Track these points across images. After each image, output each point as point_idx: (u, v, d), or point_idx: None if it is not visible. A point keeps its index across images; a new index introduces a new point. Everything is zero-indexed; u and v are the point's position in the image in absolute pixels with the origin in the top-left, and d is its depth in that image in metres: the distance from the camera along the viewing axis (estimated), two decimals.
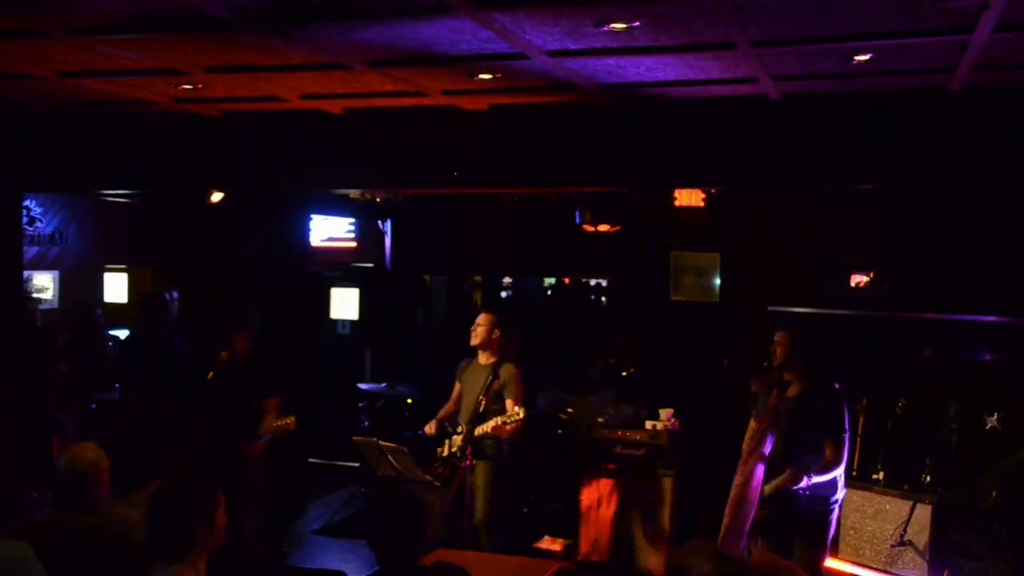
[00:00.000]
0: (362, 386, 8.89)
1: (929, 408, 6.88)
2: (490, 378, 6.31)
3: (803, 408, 5.43)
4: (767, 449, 5.50)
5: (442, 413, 6.80)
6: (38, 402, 6.87)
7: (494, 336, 6.60)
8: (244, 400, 6.44)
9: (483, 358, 6.61)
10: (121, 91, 5.23)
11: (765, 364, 5.68)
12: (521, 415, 6.21)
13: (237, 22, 3.71)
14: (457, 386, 6.80)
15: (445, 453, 6.51)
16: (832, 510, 5.48)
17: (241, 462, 6.32)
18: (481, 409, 6.22)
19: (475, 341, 6.62)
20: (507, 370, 6.45)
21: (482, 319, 6.65)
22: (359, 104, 5.51)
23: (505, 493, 6.81)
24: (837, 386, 5.55)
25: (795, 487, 5.28)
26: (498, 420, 6.13)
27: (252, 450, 6.36)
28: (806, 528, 5.39)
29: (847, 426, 5.50)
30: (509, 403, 6.36)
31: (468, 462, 6.10)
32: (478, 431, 6.25)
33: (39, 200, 8.11)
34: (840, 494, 5.53)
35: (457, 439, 6.41)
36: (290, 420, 6.49)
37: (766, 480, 5.43)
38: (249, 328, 6.57)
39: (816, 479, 5.31)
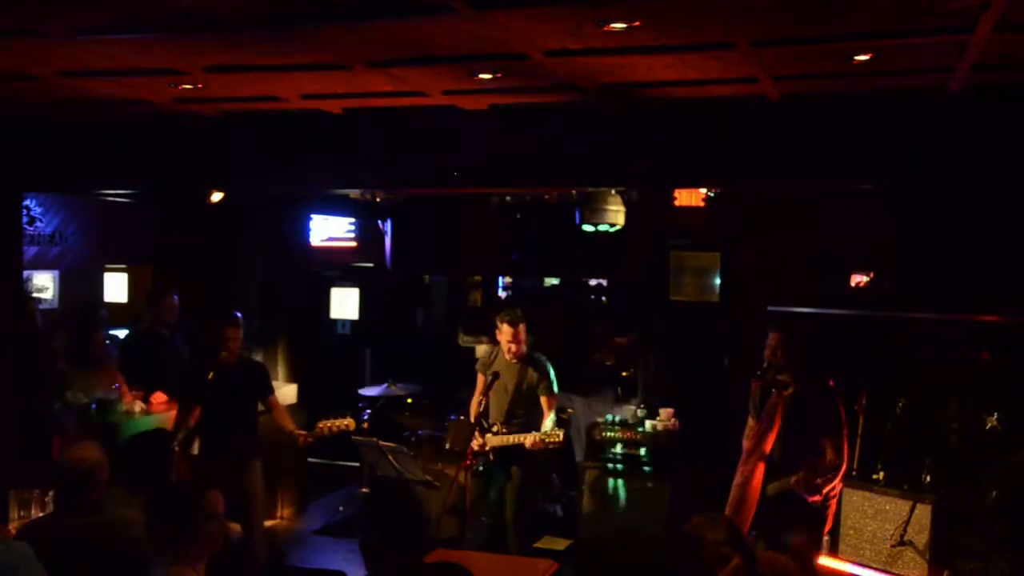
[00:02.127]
0: (363, 391, 8.89)
1: (929, 408, 6.88)
2: (521, 378, 6.31)
3: (799, 408, 5.46)
4: (767, 449, 5.51)
5: (475, 411, 6.55)
6: (38, 402, 6.87)
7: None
8: (248, 397, 6.44)
9: (508, 356, 6.48)
10: (121, 91, 5.23)
11: (765, 365, 5.71)
12: (561, 436, 6.17)
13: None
14: (481, 379, 6.63)
15: (478, 448, 6.34)
16: (829, 505, 5.52)
17: (246, 462, 6.34)
18: (508, 407, 6.26)
19: (521, 353, 6.44)
20: (541, 370, 6.43)
21: (523, 332, 6.40)
22: (359, 104, 5.51)
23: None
24: (831, 384, 5.59)
25: (808, 496, 5.33)
26: (537, 438, 6.12)
27: (305, 440, 6.44)
28: (803, 522, 5.40)
29: (844, 423, 5.54)
30: (544, 402, 6.37)
31: (468, 461, 6.09)
32: (518, 439, 6.23)
33: (39, 200, 8.10)
34: (836, 489, 5.57)
35: (493, 439, 6.31)
36: (349, 421, 6.53)
37: (768, 479, 5.45)
38: (239, 325, 6.56)
39: (828, 487, 5.36)
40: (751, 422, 5.84)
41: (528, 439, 6.19)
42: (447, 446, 7.81)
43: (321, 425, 6.51)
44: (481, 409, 6.43)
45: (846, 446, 5.52)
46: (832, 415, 5.51)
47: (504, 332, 6.43)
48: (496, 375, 6.33)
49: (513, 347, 6.41)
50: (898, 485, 6.39)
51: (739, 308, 8.26)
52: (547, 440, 6.14)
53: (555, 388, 6.48)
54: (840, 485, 5.60)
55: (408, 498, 3.44)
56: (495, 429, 6.36)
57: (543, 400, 6.39)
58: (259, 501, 6.52)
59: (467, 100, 5.31)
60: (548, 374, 6.45)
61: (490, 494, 6.62)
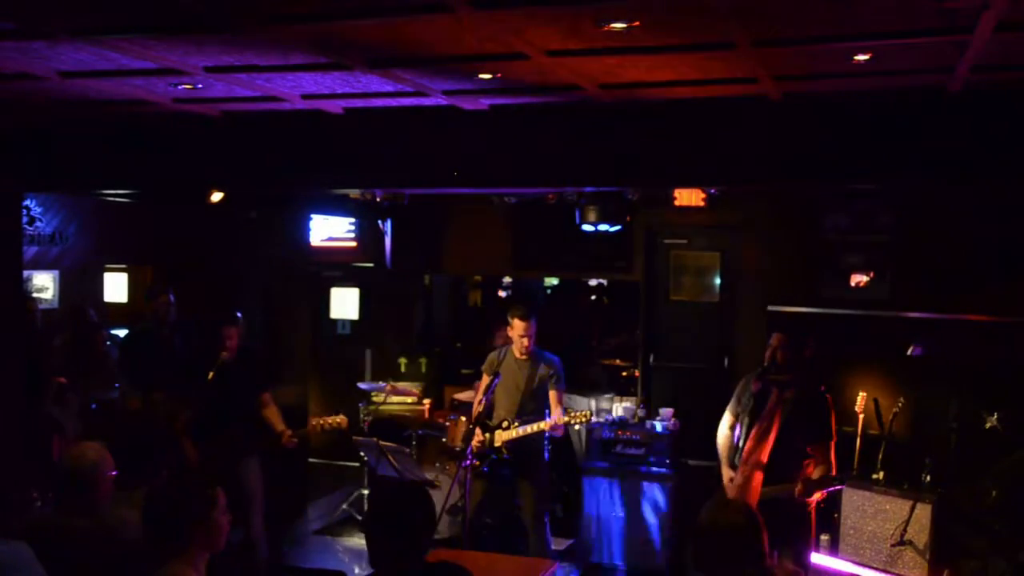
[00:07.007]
0: (362, 386, 8.89)
1: (929, 408, 6.89)
2: (532, 374, 6.33)
3: (796, 412, 5.44)
4: (766, 450, 5.50)
5: (478, 411, 6.54)
6: (38, 402, 6.87)
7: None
8: (246, 397, 6.44)
9: (519, 352, 6.51)
10: (121, 91, 5.23)
11: (765, 365, 5.70)
12: (589, 415, 6.29)
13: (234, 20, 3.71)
14: (485, 379, 6.65)
15: (478, 446, 6.31)
16: (812, 510, 5.54)
17: (245, 460, 6.34)
18: (519, 404, 6.28)
19: (533, 347, 6.47)
20: (552, 365, 6.47)
21: (535, 326, 6.45)
22: (359, 104, 5.51)
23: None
24: (824, 391, 5.57)
25: (805, 499, 5.31)
26: (560, 420, 6.19)
27: (290, 442, 6.40)
28: (789, 529, 5.37)
29: (833, 434, 5.52)
30: (553, 396, 6.42)
31: (469, 461, 6.09)
32: (537, 428, 6.24)
33: (39, 200, 8.10)
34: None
35: (504, 433, 6.31)
36: (342, 418, 6.51)
37: (764, 482, 5.43)
38: (238, 324, 6.56)
39: (818, 491, 5.35)
40: (729, 418, 5.87)
41: (548, 422, 6.21)
42: (446, 441, 7.82)
43: (314, 422, 6.48)
44: (482, 409, 6.40)
45: (833, 456, 5.48)
46: (823, 424, 5.48)
47: (516, 327, 6.45)
48: (497, 375, 6.34)
49: (525, 341, 6.42)
50: (898, 485, 6.41)
51: (739, 308, 8.27)
52: (572, 421, 6.18)
53: (563, 383, 6.51)
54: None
55: (413, 498, 3.44)
56: (504, 425, 6.34)
57: (553, 394, 6.42)
58: (257, 498, 6.51)
59: (467, 100, 5.31)
60: (559, 368, 6.48)
61: (496, 494, 6.62)
